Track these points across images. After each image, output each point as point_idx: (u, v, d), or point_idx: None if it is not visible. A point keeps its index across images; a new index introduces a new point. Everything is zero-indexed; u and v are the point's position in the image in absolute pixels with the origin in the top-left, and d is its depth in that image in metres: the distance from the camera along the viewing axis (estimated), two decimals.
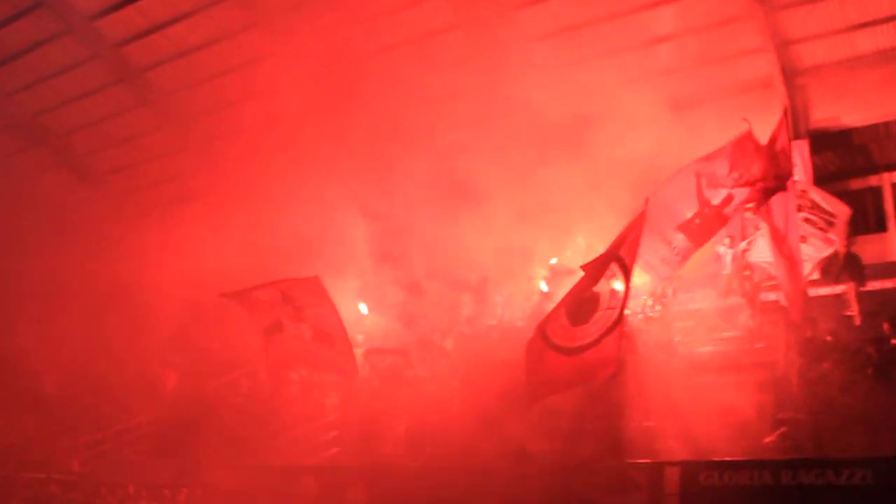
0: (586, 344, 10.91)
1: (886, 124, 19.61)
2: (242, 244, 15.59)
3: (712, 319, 17.91)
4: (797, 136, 19.84)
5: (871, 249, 19.16)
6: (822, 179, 19.81)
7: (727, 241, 17.97)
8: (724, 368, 15.57)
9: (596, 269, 10.82)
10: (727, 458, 10.52)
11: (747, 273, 16.76)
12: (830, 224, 15.59)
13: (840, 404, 12.50)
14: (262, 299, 13.56)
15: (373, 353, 15.60)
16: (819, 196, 15.34)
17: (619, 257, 10.86)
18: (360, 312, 18.25)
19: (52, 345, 18.39)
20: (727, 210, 12.48)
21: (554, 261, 18.24)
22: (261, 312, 13.56)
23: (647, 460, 10.95)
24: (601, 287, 10.95)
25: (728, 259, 17.81)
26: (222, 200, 16.08)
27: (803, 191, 15.15)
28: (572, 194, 16.67)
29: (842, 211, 15.52)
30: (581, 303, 10.96)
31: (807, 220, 15.83)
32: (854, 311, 15.83)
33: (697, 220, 12.79)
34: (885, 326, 13.50)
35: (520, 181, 15.88)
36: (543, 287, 16.76)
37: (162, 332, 18.69)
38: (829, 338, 13.68)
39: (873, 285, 17.71)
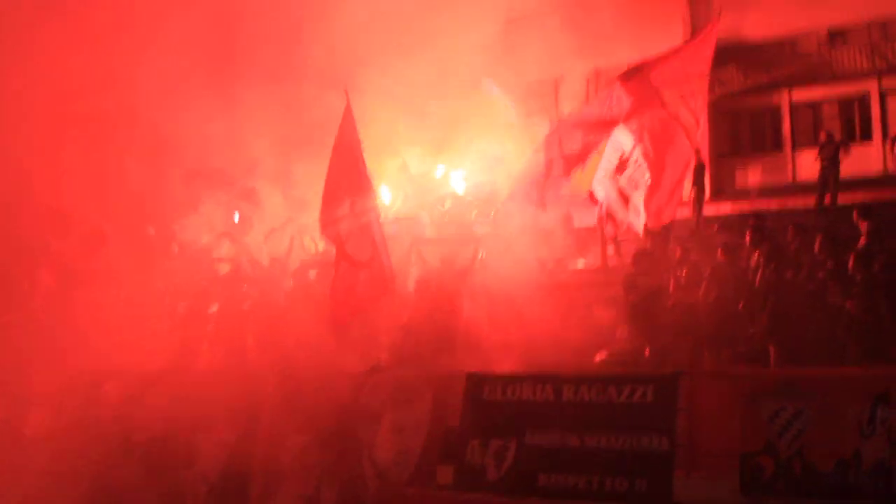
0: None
1: (792, 40, 18.63)
2: None
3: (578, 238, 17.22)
4: None
5: (767, 169, 18.42)
6: (722, 96, 18.92)
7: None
8: (583, 285, 14.99)
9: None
10: (511, 373, 9.81)
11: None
12: None
13: (673, 320, 11.87)
14: None
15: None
16: None
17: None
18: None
19: None
20: None
21: None
22: None
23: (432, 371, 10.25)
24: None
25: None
26: None
27: None
28: None
29: None
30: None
31: None
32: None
33: None
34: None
35: None
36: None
37: None
38: (677, 253, 12.95)
39: (766, 205, 17.09)
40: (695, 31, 18.64)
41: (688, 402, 8.82)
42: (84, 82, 14.01)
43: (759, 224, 12.51)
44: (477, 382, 9.70)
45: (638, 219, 13.15)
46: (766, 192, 17.25)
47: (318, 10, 14.01)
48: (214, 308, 13.68)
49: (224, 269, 15.48)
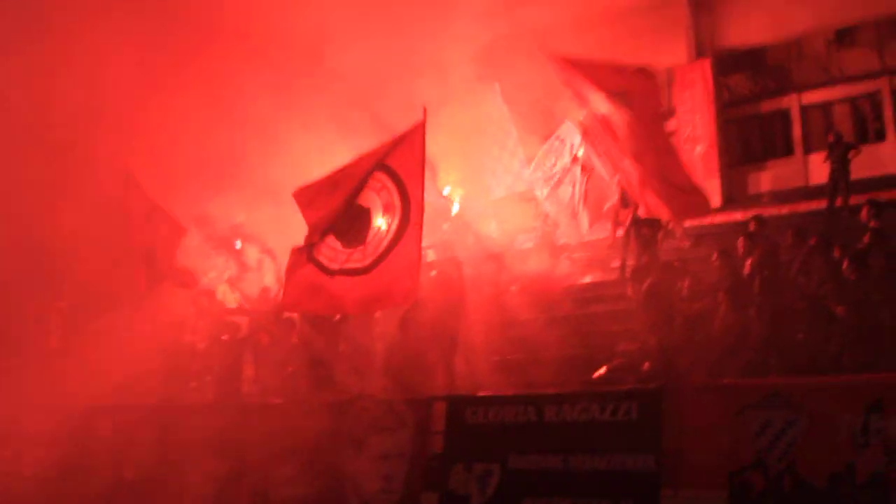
0: (359, 268, 9.79)
1: (798, 42, 18.13)
2: None
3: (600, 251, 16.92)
4: (700, 56, 18.47)
5: (779, 174, 17.91)
6: (732, 103, 18.47)
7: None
8: (591, 299, 14.67)
9: (355, 179, 9.68)
10: (493, 394, 9.48)
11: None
12: None
13: (682, 333, 11.45)
14: None
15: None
16: None
17: (387, 167, 9.69)
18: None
19: None
20: None
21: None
22: None
23: (416, 396, 9.92)
24: (370, 201, 9.83)
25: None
26: None
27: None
28: None
29: None
30: (350, 220, 9.82)
31: None
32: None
33: None
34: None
35: None
36: None
37: None
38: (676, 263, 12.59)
39: (777, 210, 16.63)
40: (699, 36, 18.20)
41: (673, 417, 8.43)
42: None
43: (752, 231, 12.10)
44: (459, 405, 9.38)
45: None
46: (778, 197, 16.72)
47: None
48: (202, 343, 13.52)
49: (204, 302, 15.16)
